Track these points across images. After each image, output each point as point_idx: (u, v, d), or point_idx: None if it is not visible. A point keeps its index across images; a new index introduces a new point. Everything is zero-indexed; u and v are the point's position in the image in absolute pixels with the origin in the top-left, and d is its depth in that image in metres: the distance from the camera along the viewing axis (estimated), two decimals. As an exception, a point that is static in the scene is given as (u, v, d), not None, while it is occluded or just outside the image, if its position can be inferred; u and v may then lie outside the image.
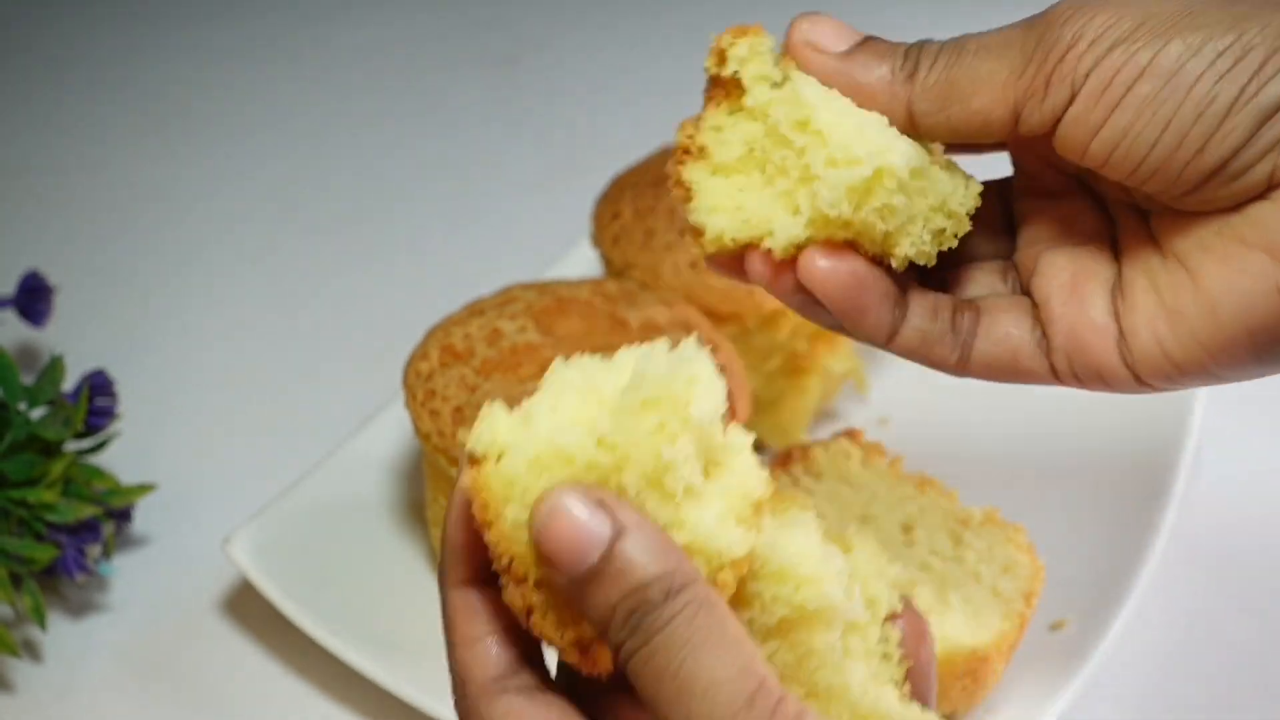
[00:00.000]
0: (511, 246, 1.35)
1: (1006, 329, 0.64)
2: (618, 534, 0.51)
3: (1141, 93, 0.56)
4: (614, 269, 1.05)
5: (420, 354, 0.94)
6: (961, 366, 0.65)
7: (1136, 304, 0.61)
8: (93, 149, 1.50)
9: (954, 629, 0.84)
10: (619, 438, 0.53)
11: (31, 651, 0.95)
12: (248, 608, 0.97)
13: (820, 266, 0.62)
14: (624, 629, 0.51)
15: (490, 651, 0.56)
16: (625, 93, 1.62)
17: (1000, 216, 0.68)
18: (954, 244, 0.64)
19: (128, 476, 1.03)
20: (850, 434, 0.97)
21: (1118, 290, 0.63)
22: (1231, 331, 0.59)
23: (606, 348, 0.91)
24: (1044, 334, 0.64)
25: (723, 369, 0.92)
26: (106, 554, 0.97)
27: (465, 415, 0.89)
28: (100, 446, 1.00)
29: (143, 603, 0.99)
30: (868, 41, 0.64)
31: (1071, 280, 0.64)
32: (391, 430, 1.04)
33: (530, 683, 0.56)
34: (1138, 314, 0.61)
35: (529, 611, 0.53)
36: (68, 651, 0.95)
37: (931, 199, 0.63)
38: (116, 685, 0.93)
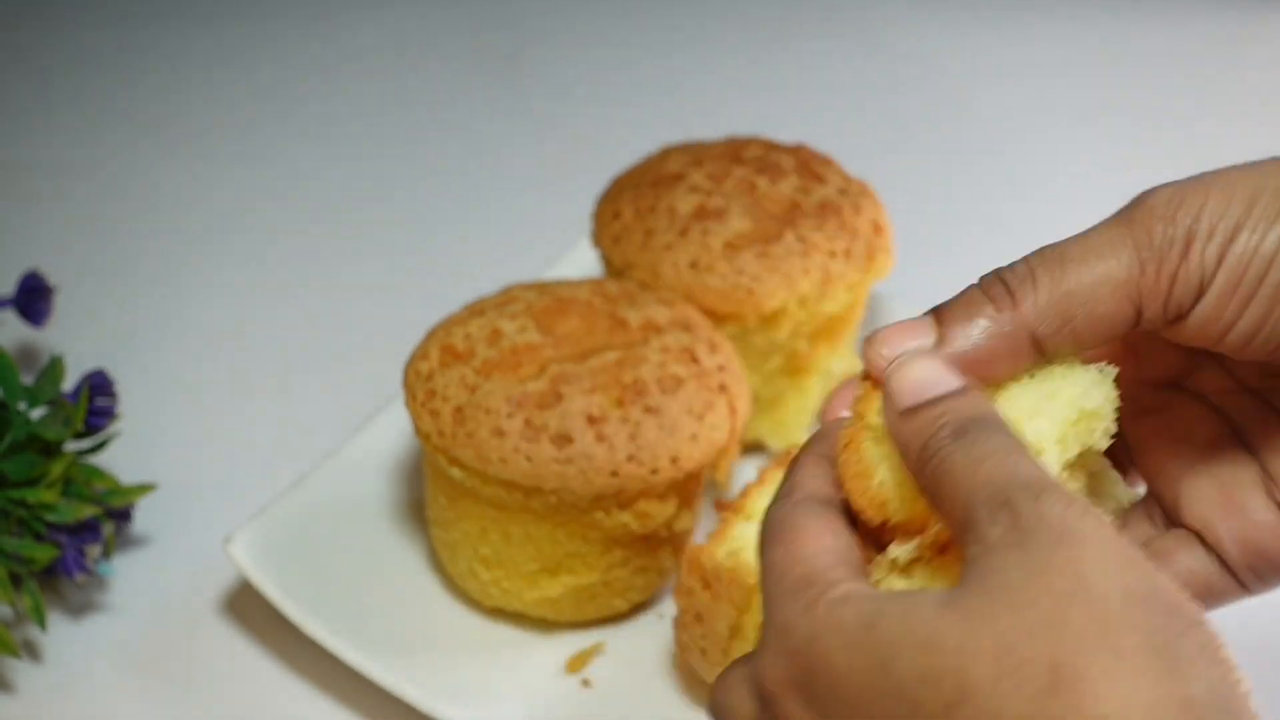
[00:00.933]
0: (511, 246, 1.35)
1: (1187, 567, 0.64)
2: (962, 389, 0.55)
3: (1275, 280, 0.56)
4: (614, 269, 1.05)
5: (420, 354, 0.94)
6: None
7: None
8: (93, 149, 1.50)
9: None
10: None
11: (31, 652, 0.95)
12: (248, 608, 0.97)
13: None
14: (945, 432, 0.54)
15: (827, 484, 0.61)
16: (625, 92, 1.62)
17: (1118, 452, 0.66)
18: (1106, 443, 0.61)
19: (128, 476, 1.03)
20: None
21: (1269, 482, 0.62)
22: None
23: (606, 348, 0.92)
24: (1219, 557, 0.64)
25: (722, 369, 0.93)
26: (106, 554, 0.97)
27: (465, 415, 0.89)
28: (100, 446, 1.00)
29: (143, 603, 0.99)
30: (943, 313, 0.59)
31: (1221, 495, 0.63)
32: (391, 430, 1.04)
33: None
34: None
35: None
36: (68, 652, 0.95)
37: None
38: (117, 685, 0.93)
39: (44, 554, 0.92)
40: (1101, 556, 0.48)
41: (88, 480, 0.97)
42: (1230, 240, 0.55)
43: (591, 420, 0.88)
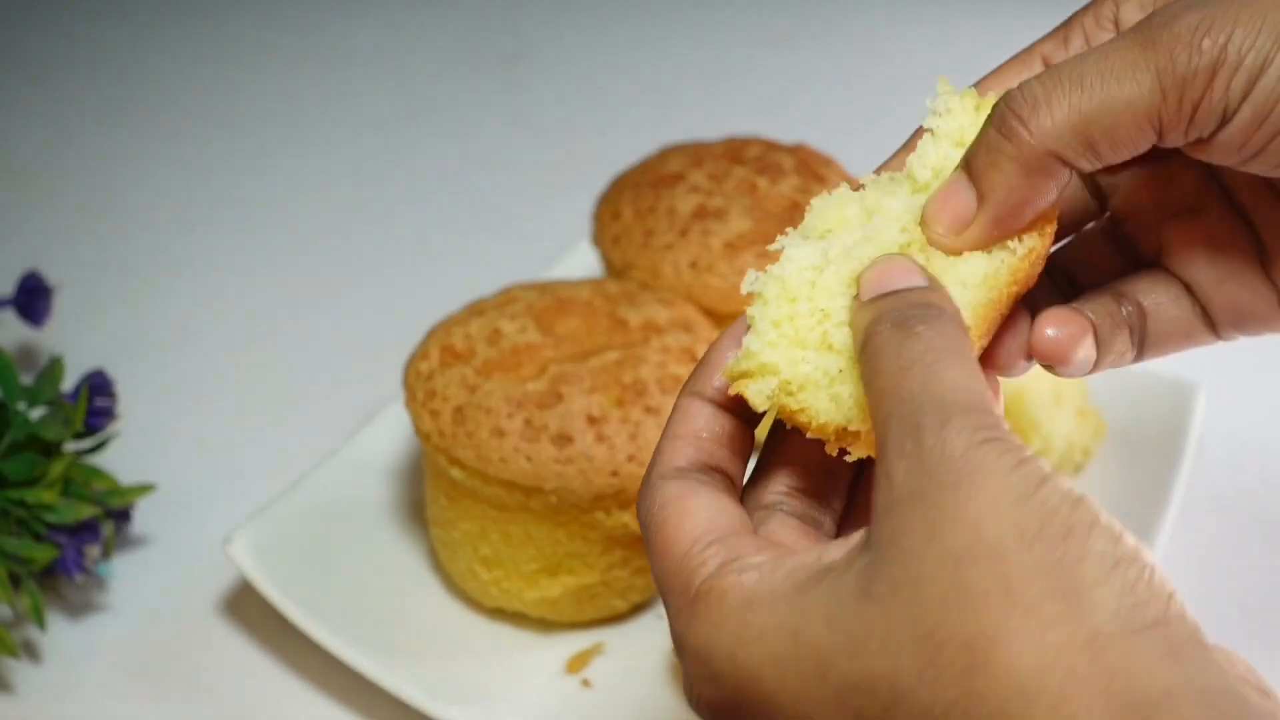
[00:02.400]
0: (511, 246, 1.35)
1: (1172, 315, 0.64)
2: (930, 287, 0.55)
3: None
4: (614, 269, 1.05)
5: (420, 354, 0.94)
6: (1138, 358, 0.65)
7: None
8: (93, 149, 1.50)
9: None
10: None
11: (31, 652, 0.95)
12: (248, 608, 0.97)
13: (1048, 337, 0.62)
14: (888, 319, 0.54)
15: (685, 447, 0.58)
16: (625, 93, 1.62)
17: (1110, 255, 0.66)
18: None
19: (127, 477, 1.02)
20: None
21: (1265, 258, 0.62)
22: None
23: (606, 348, 0.91)
24: (1204, 310, 0.63)
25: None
26: (106, 554, 0.97)
27: (465, 415, 0.89)
28: (100, 447, 0.99)
29: (142, 603, 0.99)
30: (971, 164, 0.59)
31: (1211, 250, 0.63)
32: (392, 430, 1.04)
33: (710, 480, 0.57)
34: None
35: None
36: (67, 652, 0.95)
37: None
38: (116, 686, 0.93)
39: (43, 554, 0.92)
40: (994, 496, 0.47)
41: (87, 481, 0.97)
42: (1259, 74, 0.54)
43: (592, 420, 0.88)
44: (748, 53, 1.71)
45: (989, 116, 0.58)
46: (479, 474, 0.89)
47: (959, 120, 0.62)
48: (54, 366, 1.00)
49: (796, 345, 0.58)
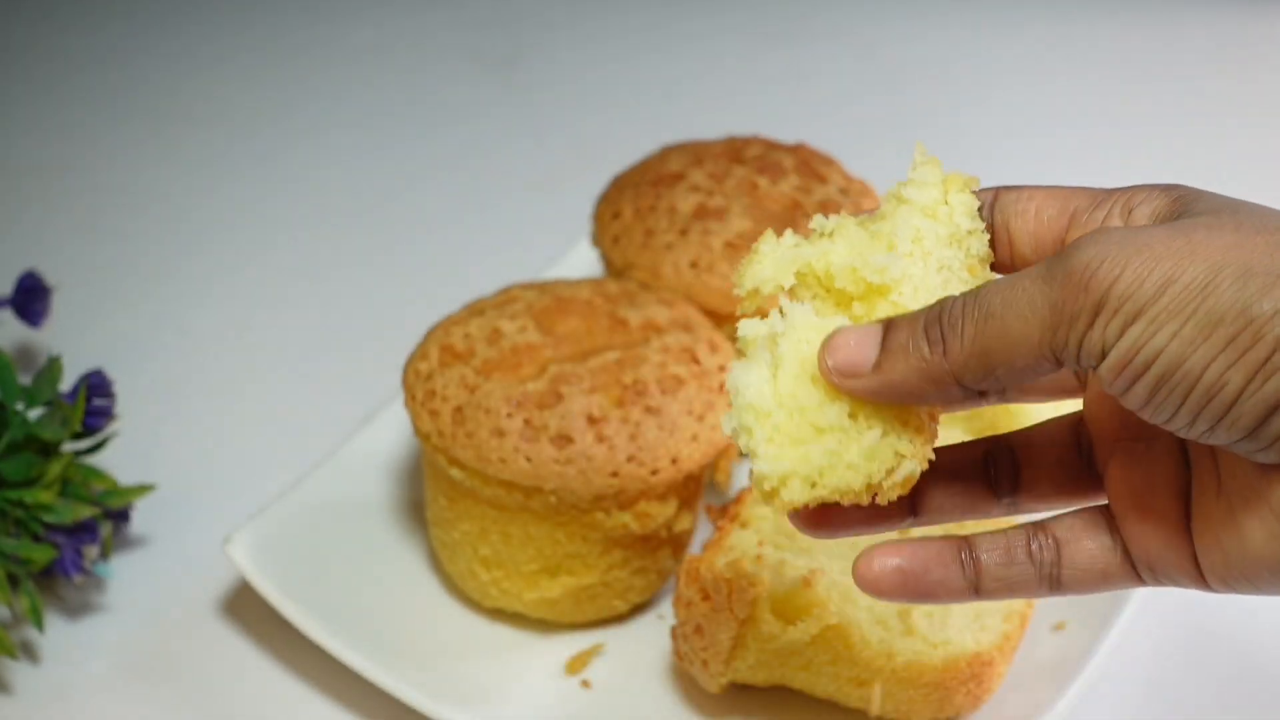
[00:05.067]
0: (511, 246, 1.35)
1: (1091, 553, 0.65)
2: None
3: (1155, 375, 0.57)
4: (614, 269, 1.04)
5: (420, 354, 0.93)
6: (1054, 588, 0.66)
7: (1201, 531, 0.62)
8: (91, 149, 1.50)
9: (956, 634, 0.83)
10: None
11: (29, 653, 0.95)
12: (247, 608, 0.97)
13: (872, 571, 0.66)
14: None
15: None
16: (625, 93, 1.62)
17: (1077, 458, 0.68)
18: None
19: (126, 477, 1.02)
20: None
21: (1190, 508, 0.63)
22: (1270, 578, 0.61)
23: (606, 348, 0.91)
24: (1124, 549, 0.65)
25: (722, 369, 0.92)
26: (104, 555, 0.97)
27: (465, 415, 0.89)
28: (98, 447, 0.99)
29: (141, 604, 0.98)
30: (888, 338, 0.63)
31: (1143, 490, 0.64)
32: (391, 430, 1.04)
33: None
34: (1201, 540, 0.62)
35: None
36: (65, 653, 0.95)
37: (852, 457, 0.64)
38: (115, 687, 0.93)
39: (41, 555, 0.92)
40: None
41: (85, 481, 0.96)
42: (1128, 325, 0.56)
43: (592, 420, 0.88)
44: (748, 53, 1.71)
45: (926, 311, 0.62)
46: (478, 474, 0.89)
47: (931, 194, 0.67)
48: (52, 366, 0.99)
49: (794, 446, 0.63)
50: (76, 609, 0.98)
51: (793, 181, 1.05)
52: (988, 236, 0.66)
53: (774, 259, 0.67)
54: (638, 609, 0.96)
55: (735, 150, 1.07)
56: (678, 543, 0.95)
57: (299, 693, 0.93)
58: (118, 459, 1.04)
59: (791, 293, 0.67)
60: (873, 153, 1.24)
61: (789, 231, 0.67)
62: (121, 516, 1.00)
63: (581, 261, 1.17)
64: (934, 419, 0.65)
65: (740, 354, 0.67)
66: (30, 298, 1.10)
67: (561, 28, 1.74)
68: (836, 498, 0.64)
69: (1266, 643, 0.96)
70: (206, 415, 1.15)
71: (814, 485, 0.64)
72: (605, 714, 0.89)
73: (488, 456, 0.88)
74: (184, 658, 0.95)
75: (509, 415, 0.88)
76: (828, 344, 0.63)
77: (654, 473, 0.88)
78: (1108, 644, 0.89)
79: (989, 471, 0.68)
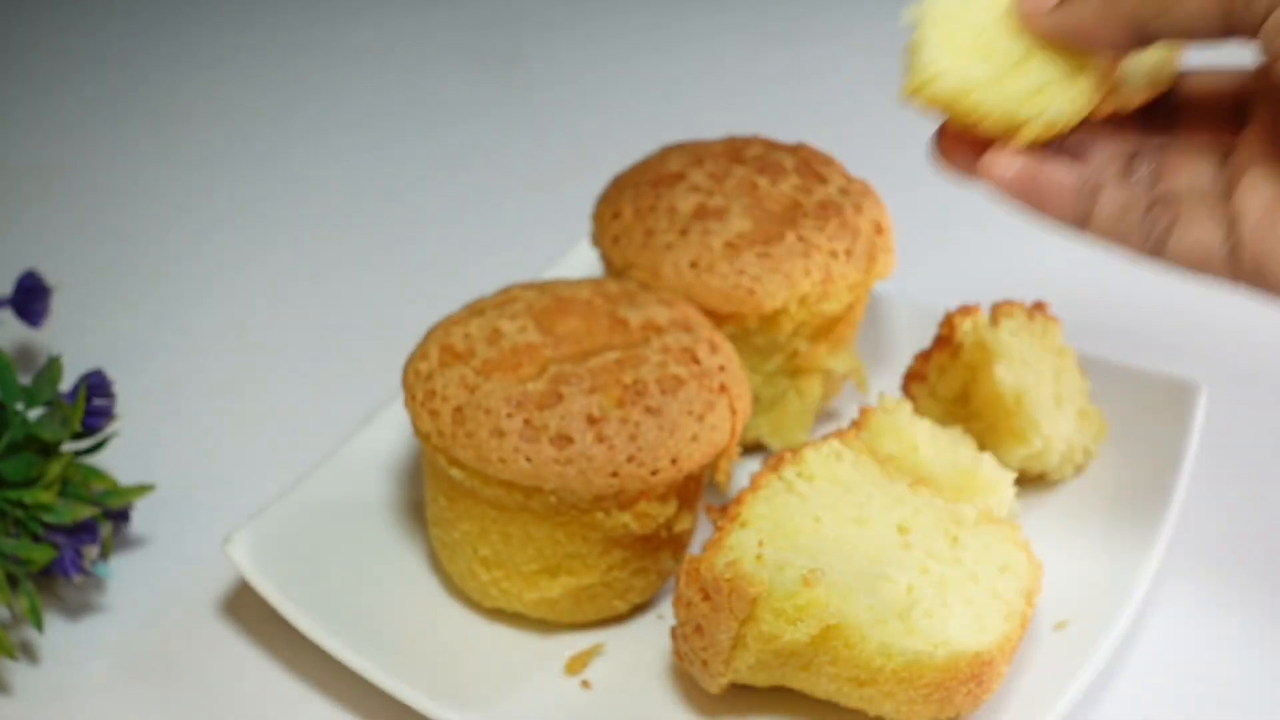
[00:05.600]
0: (511, 246, 1.35)
1: (1199, 236, 0.69)
2: None
3: None
4: (614, 269, 1.04)
5: (420, 354, 0.93)
6: (1154, 257, 0.70)
7: None
8: (91, 148, 1.50)
9: (956, 633, 0.83)
10: None
11: (28, 653, 0.95)
12: (247, 609, 0.97)
13: (998, 163, 0.72)
14: None
15: None
16: (625, 92, 1.62)
17: (1232, 107, 0.71)
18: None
19: (126, 477, 1.02)
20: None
21: None
22: None
23: (606, 348, 0.91)
24: (1234, 247, 0.67)
25: (722, 369, 0.92)
26: (104, 555, 0.97)
27: (465, 415, 0.89)
28: (98, 447, 0.99)
29: (141, 604, 0.98)
30: None
31: (1270, 204, 0.67)
32: (391, 430, 1.04)
33: None
34: None
35: None
36: (65, 653, 0.95)
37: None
38: (114, 687, 0.93)
39: (41, 555, 0.92)
40: None
41: (85, 481, 0.96)
42: None
43: (591, 421, 0.88)
44: (748, 52, 1.71)
45: None
46: (478, 474, 0.89)
47: None
48: (52, 366, 0.99)
49: (964, 56, 0.70)
50: (76, 609, 0.98)
51: (793, 181, 1.04)
52: None
53: None
54: (638, 609, 0.96)
55: (735, 150, 1.07)
56: (678, 543, 0.95)
57: (299, 693, 0.93)
58: (117, 459, 1.04)
59: None
60: (874, 153, 1.24)
61: None
62: (121, 517, 1.00)
63: (581, 261, 1.17)
64: (1104, 83, 0.71)
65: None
66: (30, 297, 1.10)
67: (561, 27, 1.73)
68: (977, 117, 0.71)
69: (1270, 643, 0.96)
70: (206, 415, 1.15)
71: (966, 93, 0.71)
72: (605, 714, 0.89)
73: (488, 456, 0.87)
74: (184, 658, 0.95)
75: (509, 415, 0.88)
76: None
77: (654, 473, 0.88)
78: (1111, 643, 0.89)
79: (1143, 125, 0.74)
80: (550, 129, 1.54)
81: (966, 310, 1.02)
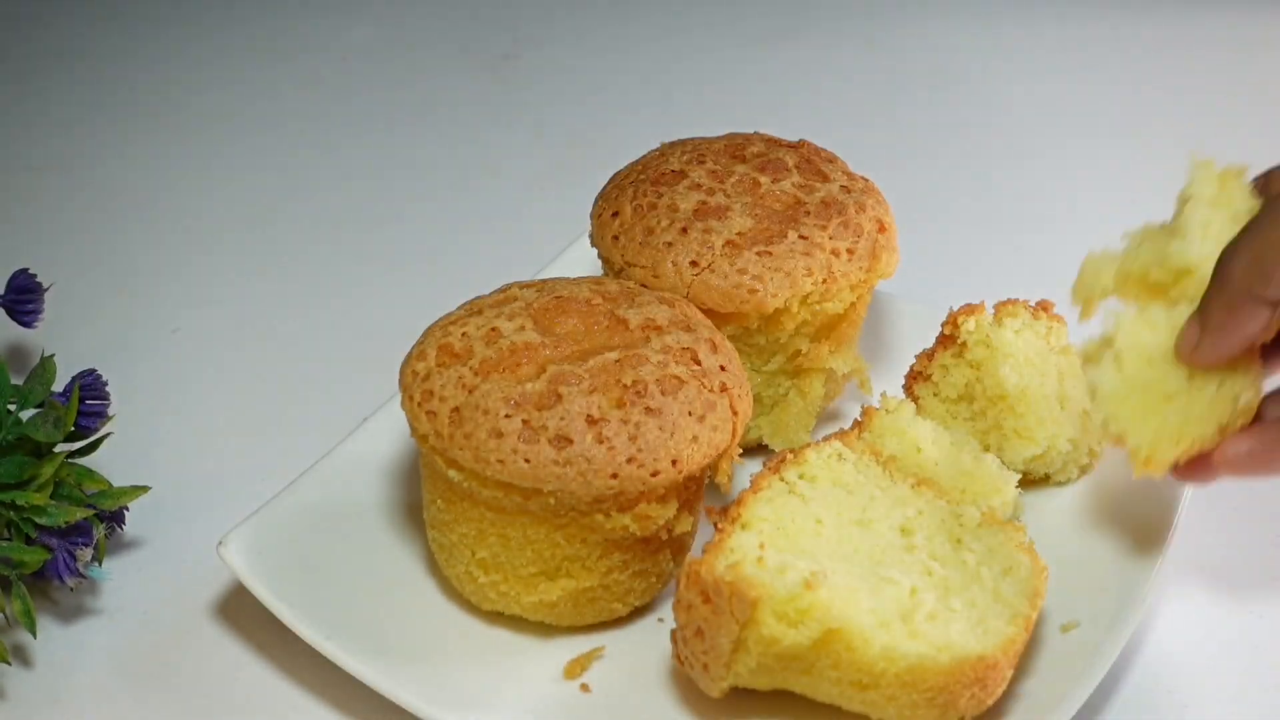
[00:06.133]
0: (509, 245, 1.34)
1: None
2: None
3: None
4: (614, 268, 1.04)
5: (417, 354, 0.92)
6: None
7: None
8: (85, 148, 1.49)
9: (960, 636, 0.83)
10: None
11: (21, 657, 0.94)
12: (242, 611, 0.96)
13: (1226, 456, 0.87)
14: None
15: None
16: (624, 88, 1.61)
17: None
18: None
19: (120, 478, 1.02)
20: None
21: None
22: None
23: (606, 348, 0.90)
24: None
25: (723, 369, 0.91)
26: (98, 557, 0.96)
27: (463, 416, 0.88)
28: (92, 448, 0.99)
29: (135, 607, 0.98)
30: (1204, 313, 0.85)
31: None
32: (388, 431, 1.03)
33: None
34: None
35: None
36: (58, 657, 0.94)
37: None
38: (108, 691, 0.92)
39: (34, 557, 0.91)
40: None
41: (79, 482, 0.96)
42: None
43: (591, 421, 0.87)
44: (749, 49, 1.70)
45: (1221, 271, 0.84)
46: (476, 476, 0.88)
47: (1210, 188, 0.89)
48: (45, 366, 0.99)
49: (1153, 417, 0.87)
50: (70, 612, 0.97)
51: (795, 179, 1.04)
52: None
53: (1096, 270, 0.91)
54: (638, 612, 0.95)
55: (736, 147, 1.06)
56: (678, 545, 0.94)
57: (294, 697, 0.92)
58: (111, 460, 1.04)
59: (1117, 292, 0.90)
60: (875, 150, 1.23)
61: (1104, 248, 0.92)
62: (115, 518, 0.99)
63: (581, 261, 1.16)
64: (1255, 357, 0.86)
65: (1086, 360, 0.89)
66: (23, 297, 1.09)
67: (561, 26, 1.73)
68: (1199, 446, 0.86)
69: (1268, 642, 0.96)
70: (201, 416, 1.14)
71: (1178, 442, 0.86)
72: (605, 718, 0.89)
73: (486, 458, 0.87)
74: (178, 661, 0.94)
75: (507, 416, 0.87)
76: (1178, 339, 0.86)
77: (654, 474, 0.87)
78: (1119, 645, 0.88)
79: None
80: (548, 126, 1.53)
81: (970, 309, 1.01)
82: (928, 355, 1.03)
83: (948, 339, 1.02)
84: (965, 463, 0.95)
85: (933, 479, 0.94)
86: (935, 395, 1.03)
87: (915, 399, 1.03)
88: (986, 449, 0.99)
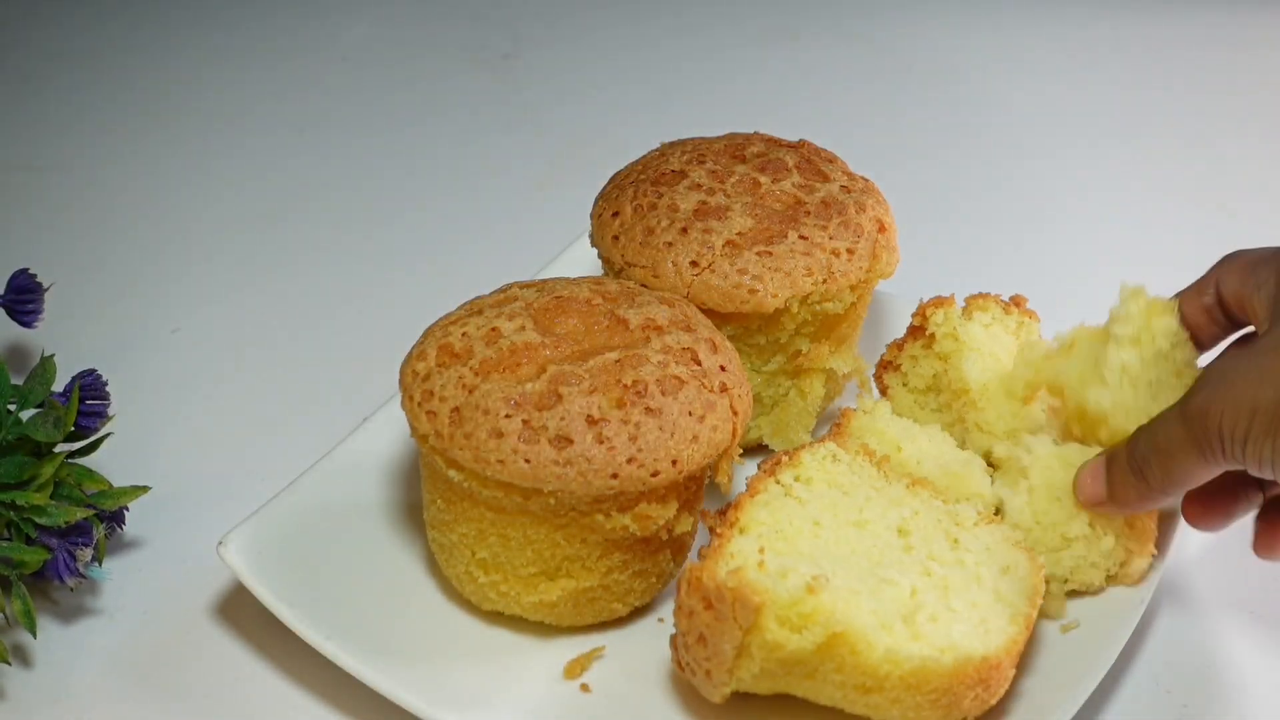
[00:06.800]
0: (509, 245, 1.34)
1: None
2: None
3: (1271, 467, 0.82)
4: (614, 268, 1.03)
5: (418, 354, 0.92)
6: None
7: None
8: (85, 148, 1.49)
9: (963, 638, 0.82)
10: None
11: (21, 657, 0.94)
12: (242, 611, 0.96)
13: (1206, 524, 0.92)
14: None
15: None
16: (624, 88, 1.61)
17: None
18: None
19: (120, 478, 1.01)
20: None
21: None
22: None
23: (606, 348, 0.90)
24: None
25: (723, 369, 0.91)
26: (98, 557, 0.96)
27: (463, 416, 0.88)
28: (92, 447, 0.98)
29: (135, 607, 0.98)
30: (1109, 470, 0.90)
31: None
32: (388, 431, 1.03)
33: None
34: None
35: None
36: (58, 657, 0.94)
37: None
38: (108, 691, 0.92)
39: (34, 557, 0.91)
40: None
41: (79, 482, 0.96)
42: (1242, 448, 0.82)
43: (591, 421, 0.87)
44: (749, 49, 1.70)
45: (1127, 450, 0.88)
46: (477, 476, 0.88)
47: (1133, 326, 0.90)
48: (45, 366, 0.99)
49: (1050, 554, 0.92)
50: (70, 612, 0.97)
51: (795, 179, 1.04)
52: (1189, 344, 0.89)
53: (1029, 365, 0.96)
54: (638, 612, 0.95)
55: (737, 147, 1.06)
56: (678, 545, 0.94)
57: (294, 696, 0.92)
58: (112, 460, 1.04)
59: (1049, 393, 0.95)
60: (875, 150, 1.23)
61: (1043, 341, 0.98)
62: (116, 518, 0.99)
63: (581, 261, 1.16)
64: (1152, 518, 0.91)
65: (1001, 474, 0.94)
66: (23, 297, 1.09)
67: (561, 25, 1.73)
68: (1084, 589, 0.91)
69: (1269, 642, 0.96)
70: (202, 416, 1.14)
71: (1066, 581, 0.91)
72: (605, 718, 0.88)
73: (486, 458, 0.87)
74: (178, 661, 0.94)
75: (507, 416, 0.87)
76: (1076, 480, 0.91)
77: (654, 474, 0.87)
78: (1120, 646, 0.88)
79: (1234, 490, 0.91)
80: (548, 125, 1.53)
81: (939, 301, 1.01)
82: (898, 345, 1.04)
83: (917, 330, 1.02)
84: (950, 463, 0.95)
85: (924, 479, 0.94)
86: (904, 385, 1.03)
87: (884, 388, 1.04)
88: (962, 445, 0.99)
